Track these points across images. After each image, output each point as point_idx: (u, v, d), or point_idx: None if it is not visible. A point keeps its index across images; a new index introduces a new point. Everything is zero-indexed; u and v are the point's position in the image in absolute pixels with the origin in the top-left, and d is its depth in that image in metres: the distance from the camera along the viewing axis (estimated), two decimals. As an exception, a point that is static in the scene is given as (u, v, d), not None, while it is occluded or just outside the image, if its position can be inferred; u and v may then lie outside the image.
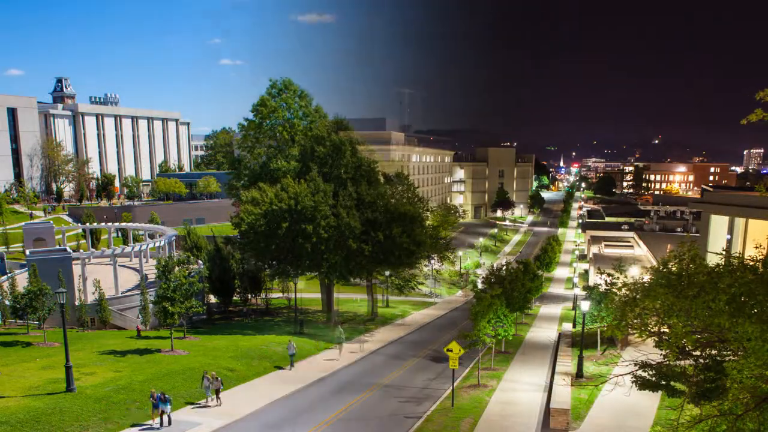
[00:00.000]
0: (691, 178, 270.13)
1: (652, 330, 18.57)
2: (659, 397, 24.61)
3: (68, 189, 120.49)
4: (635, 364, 19.57)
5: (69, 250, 52.57)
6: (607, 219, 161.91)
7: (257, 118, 54.35)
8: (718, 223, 44.45)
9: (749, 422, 12.70)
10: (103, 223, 75.57)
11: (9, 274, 49.28)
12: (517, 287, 43.72)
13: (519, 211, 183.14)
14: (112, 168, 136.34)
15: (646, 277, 22.34)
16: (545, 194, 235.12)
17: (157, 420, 23.27)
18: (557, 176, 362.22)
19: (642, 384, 19.33)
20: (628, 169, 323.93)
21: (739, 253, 28.86)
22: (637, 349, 31.78)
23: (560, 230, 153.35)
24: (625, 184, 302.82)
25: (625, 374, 19.91)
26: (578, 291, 53.03)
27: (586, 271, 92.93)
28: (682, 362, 18.98)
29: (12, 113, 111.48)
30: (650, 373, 19.25)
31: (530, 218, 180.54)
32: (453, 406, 27.14)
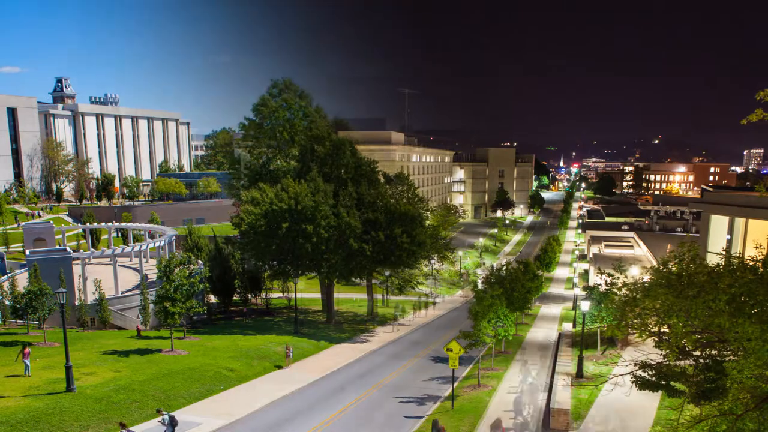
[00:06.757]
0: (691, 178, 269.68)
1: (652, 330, 18.58)
2: (659, 397, 24.60)
3: (68, 189, 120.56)
4: (635, 364, 19.57)
5: (69, 250, 52.55)
6: (607, 219, 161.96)
7: (258, 117, 54.36)
8: (718, 224, 44.44)
9: (749, 422, 12.71)
10: (103, 223, 75.56)
11: (9, 274, 49.24)
12: (517, 287, 43.73)
13: (519, 211, 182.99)
14: (112, 168, 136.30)
15: (647, 277, 22.34)
16: (545, 194, 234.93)
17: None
18: (557, 176, 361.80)
19: (642, 384, 19.33)
20: (628, 169, 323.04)
21: (739, 254, 28.85)
22: (637, 349, 31.82)
23: (560, 230, 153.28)
24: (625, 184, 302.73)
25: (625, 374, 19.91)
26: (578, 291, 53.01)
27: (586, 271, 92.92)
28: (682, 362, 18.97)
29: (12, 113, 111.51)
30: (650, 373, 19.24)
31: (530, 218, 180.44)
32: (453, 406, 27.12)
